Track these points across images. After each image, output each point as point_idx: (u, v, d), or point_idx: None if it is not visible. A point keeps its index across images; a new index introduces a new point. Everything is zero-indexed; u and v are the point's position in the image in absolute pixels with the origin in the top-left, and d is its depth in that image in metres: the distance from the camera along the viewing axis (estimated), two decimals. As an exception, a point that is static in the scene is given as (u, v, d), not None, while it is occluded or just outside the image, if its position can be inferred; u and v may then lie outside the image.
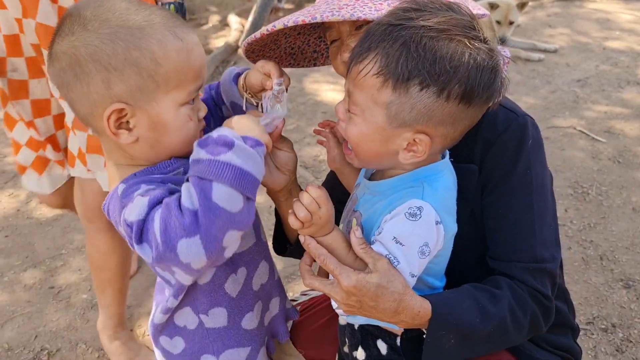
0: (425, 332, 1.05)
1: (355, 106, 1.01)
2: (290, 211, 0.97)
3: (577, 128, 3.70)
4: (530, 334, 1.14)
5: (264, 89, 1.15)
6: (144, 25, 0.95)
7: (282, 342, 1.38)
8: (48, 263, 2.69)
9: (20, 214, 3.05)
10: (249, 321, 1.19)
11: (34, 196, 3.20)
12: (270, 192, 1.30)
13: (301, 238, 1.02)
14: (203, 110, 1.07)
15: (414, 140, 0.99)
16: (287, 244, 1.44)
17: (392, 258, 0.99)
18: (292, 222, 0.97)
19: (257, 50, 1.32)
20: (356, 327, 1.22)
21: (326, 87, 4.45)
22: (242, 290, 1.15)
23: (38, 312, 2.40)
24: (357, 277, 0.96)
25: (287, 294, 1.42)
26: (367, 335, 1.21)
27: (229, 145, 0.90)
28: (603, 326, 2.24)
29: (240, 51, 5.17)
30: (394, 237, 0.99)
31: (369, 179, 1.15)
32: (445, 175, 1.08)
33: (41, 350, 2.21)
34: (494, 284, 1.11)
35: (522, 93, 4.27)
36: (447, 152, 1.12)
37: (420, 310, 1.01)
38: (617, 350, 2.13)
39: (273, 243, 1.45)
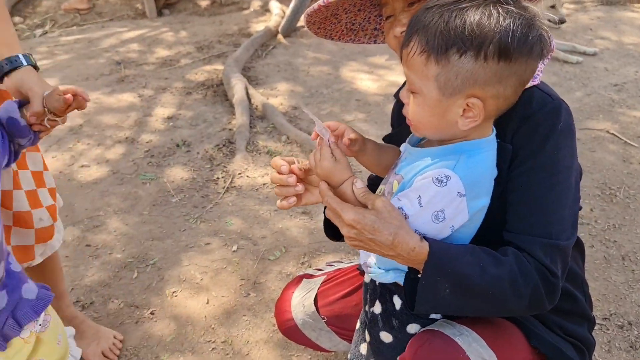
0: (421, 274, 1.10)
1: (413, 85, 1.10)
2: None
3: (610, 131, 3.69)
4: (533, 308, 1.15)
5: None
6: None
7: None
8: (86, 223, 2.83)
9: (62, 175, 3.20)
10: None
11: (76, 159, 3.35)
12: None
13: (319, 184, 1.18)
14: None
15: (467, 105, 1.07)
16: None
17: (405, 211, 1.10)
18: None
19: (317, 22, 1.41)
20: (377, 283, 1.31)
21: (362, 76, 4.50)
22: None
23: (75, 267, 2.54)
24: (355, 211, 1.09)
25: (313, 266, 1.47)
26: (385, 291, 1.30)
27: None
28: (619, 323, 2.27)
29: (280, 36, 5.26)
30: (419, 197, 1.08)
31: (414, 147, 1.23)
32: (486, 152, 1.14)
33: (76, 301, 2.35)
34: (501, 252, 1.15)
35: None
36: (494, 129, 1.17)
37: (415, 247, 1.07)
38: (631, 347, 2.16)
39: (326, 231, 1.55)
